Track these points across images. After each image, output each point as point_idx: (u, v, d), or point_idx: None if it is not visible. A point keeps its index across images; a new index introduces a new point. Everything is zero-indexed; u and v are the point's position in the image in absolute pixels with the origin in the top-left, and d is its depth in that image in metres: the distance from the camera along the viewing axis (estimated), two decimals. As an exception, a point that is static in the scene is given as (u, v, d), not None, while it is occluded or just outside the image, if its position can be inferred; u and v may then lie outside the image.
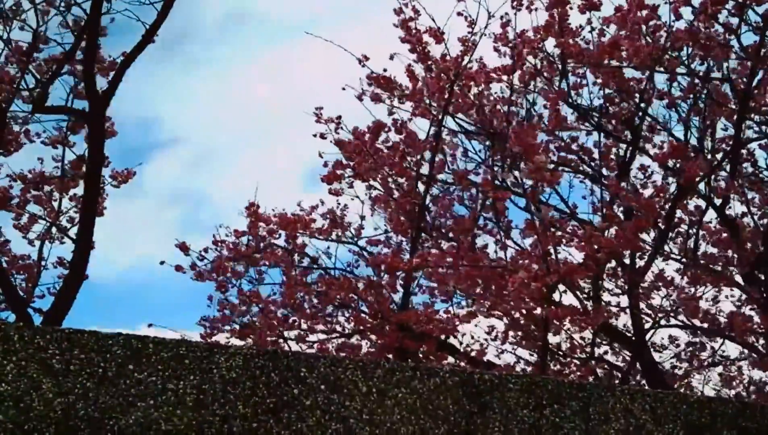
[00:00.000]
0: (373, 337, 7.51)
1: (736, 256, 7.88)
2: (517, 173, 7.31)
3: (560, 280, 6.50)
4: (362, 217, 8.17)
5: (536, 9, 7.31)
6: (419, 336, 7.00)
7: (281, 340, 7.65)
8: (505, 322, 7.78)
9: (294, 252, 7.97)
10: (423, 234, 7.86)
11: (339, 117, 7.95)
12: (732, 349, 8.63)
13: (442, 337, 7.32)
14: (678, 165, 7.31)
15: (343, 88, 7.91)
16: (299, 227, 7.88)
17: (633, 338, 7.53)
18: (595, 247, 6.40)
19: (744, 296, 8.22)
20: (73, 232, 6.09)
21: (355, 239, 8.20)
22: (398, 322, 6.92)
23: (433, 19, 7.61)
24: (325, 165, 7.93)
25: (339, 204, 8.16)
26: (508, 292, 6.47)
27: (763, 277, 7.73)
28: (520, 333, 7.87)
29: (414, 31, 7.66)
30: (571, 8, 7.18)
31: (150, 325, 7.04)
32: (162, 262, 7.85)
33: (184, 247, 7.90)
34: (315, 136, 7.95)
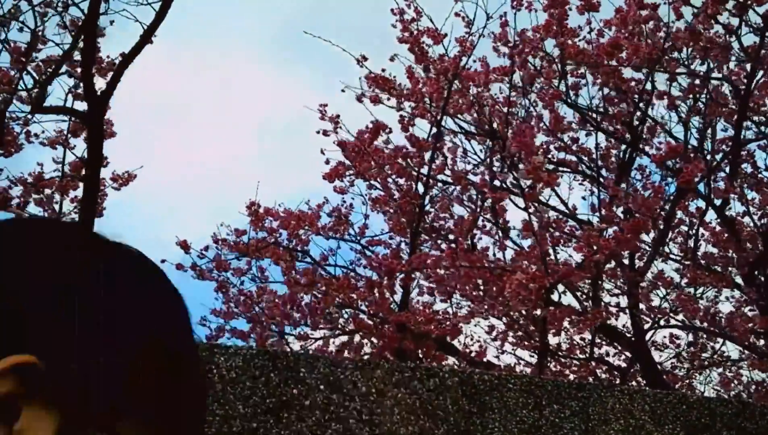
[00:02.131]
0: (374, 339, 7.53)
1: (735, 256, 7.88)
2: (515, 174, 7.32)
3: (558, 281, 6.51)
4: (366, 216, 8.20)
5: (535, 10, 7.33)
6: (418, 337, 7.00)
7: (282, 338, 7.68)
8: (504, 322, 7.79)
9: (295, 250, 7.99)
10: (422, 234, 7.87)
11: (337, 116, 7.97)
12: (733, 350, 8.64)
13: (447, 338, 7.33)
14: (677, 165, 7.32)
15: (343, 90, 7.93)
16: (304, 224, 7.91)
17: (632, 338, 7.53)
18: (593, 248, 6.40)
19: (744, 297, 8.22)
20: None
21: (358, 238, 8.22)
22: (397, 322, 6.93)
23: (431, 20, 7.61)
24: (327, 162, 7.97)
25: (344, 202, 8.20)
26: (506, 293, 6.48)
27: (762, 278, 7.73)
28: (520, 333, 7.87)
29: (415, 32, 7.66)
30: (570, 9, 7.18)
31: None
32: (163, 261, 7.86)
33: (184, 245, 7.93)
34: (318, 133, 7.99)
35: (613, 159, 8.20)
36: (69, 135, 6.58)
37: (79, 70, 5.47)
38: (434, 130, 7.76)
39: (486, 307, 7.23)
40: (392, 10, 7.69)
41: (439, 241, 8.12)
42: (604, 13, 7.21)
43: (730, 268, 8.00)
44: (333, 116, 7.95)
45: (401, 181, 7.90)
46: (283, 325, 7.74)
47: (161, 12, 4.96)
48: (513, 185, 7.57)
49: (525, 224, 6.90)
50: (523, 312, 7.21)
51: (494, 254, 7.72)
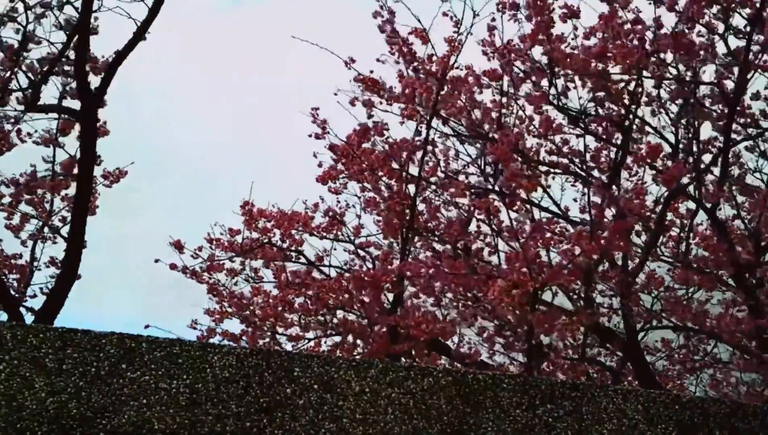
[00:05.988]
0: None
1: (725, 258, 7.90)
2: (501, 178, 7.33)
3: (544, 284, 6.51)
4: (359, 217, 8.22)
5: (520, 21, 7.32)
6: (409, 340, 7.00)
7: (274, 340, 7.68)
8: (494, 324, 7.80)
9: (289, 250, 7.99)
10: (414, 236, 7.87)
11: (325, 121, 7.97)
12: (723, 351, 8.67)
13: (440, 338, 7.33)
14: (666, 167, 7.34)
15: (335, 93, 7.90)
16: (297, 225, 7.91)
17: (625, 339, 7.56)
18: (579, 250, 6.42)
19: (733, 298, 8.24)
20: (65, 231, 6.05)
21: (353, 238, 8.22)
22: (387, 325, 6.93)
23: (418, 20, 7.59)
24: (320, 165, 7.98)
25: (339, 202, 8.21)
26: (490, 298, 6.48)
27: (753, 281, 7.77)
28: (508, 333, 7.88)
29: (399, 34, 7.64)
30: (554, 22, 7.16)
31: (147, 326, 7.01)
32: (157, 260, 7.83)
33: (178, 245, 7.92)
34: (310, 136, 7.99)
35: (603, 159, 8.22)
36: (58, 133, 6.53)
37: (72, 68, 5.46)
38: (423, 131, 7.74)
39: (472, 312, 7.26)
40: (373, 13, 7.68)
41: (431, 242, 8.12)
42: (586, 21, 7.21)
43: (720, 271, 8.03)
44: (320, 121, 7.95)
45: (392, 182, 7.90)
46: (276, 326, 7.74)
47: (154, 8, 4.96)
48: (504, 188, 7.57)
49: (510, 230, 6.93)
50: (510, 318, 7.22)
51: (488, 254, 7.74)
